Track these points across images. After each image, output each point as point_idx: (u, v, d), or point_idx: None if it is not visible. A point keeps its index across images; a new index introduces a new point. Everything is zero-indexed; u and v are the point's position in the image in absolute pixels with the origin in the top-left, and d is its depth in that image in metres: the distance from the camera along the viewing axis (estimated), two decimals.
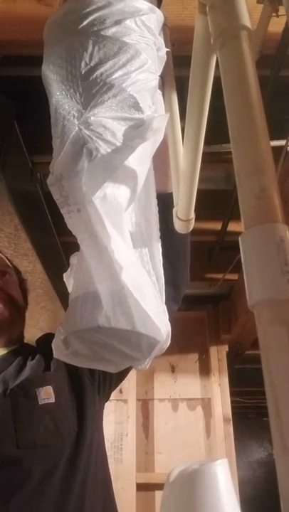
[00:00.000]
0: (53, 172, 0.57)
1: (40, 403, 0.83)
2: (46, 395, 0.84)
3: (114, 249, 0.54)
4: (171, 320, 0.64)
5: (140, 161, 0.58)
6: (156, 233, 0.66)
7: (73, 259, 0.63)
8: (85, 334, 0.54)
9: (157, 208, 0.68)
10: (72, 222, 0.57)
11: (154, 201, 0.67)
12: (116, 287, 0.53)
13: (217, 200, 1.74)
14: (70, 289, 0.63)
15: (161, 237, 0.67)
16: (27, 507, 0.74)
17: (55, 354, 0.59)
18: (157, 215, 0.67)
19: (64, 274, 0.64)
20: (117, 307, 0.52)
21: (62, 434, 0.82)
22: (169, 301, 0.67)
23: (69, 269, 0.64)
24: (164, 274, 0.66)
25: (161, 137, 0.61)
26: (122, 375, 0.98)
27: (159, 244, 0.66)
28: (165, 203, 0.70)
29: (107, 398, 0.99)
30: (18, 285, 1.06)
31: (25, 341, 1.05)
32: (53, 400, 0.84)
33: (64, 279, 0.64)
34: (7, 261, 1.10)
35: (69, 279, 0.63)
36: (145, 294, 0.55)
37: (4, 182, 1.26)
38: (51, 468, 0.79)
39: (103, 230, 0.54)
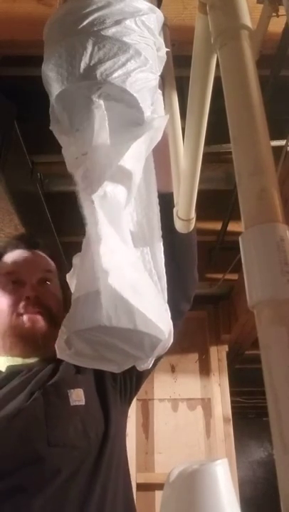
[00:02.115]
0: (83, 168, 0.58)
1: (71, 404, 0.84)
2: (77, 397, 0.85)
3: (121, 249, 0.54)
4: (182, 320, 0.62)
5: (135, 159, 0.59)
6: (157, 232, 0.66)
7: (76, 260, 0.63)
8: (87, 334, 0.54)
9: (159, 208, 0.68)
10: (86, 212, 0.57)
11: (156, 200, 0.67)
12: (118, 286, 0.53)
13: (217, 200, 1.75)
14: (72, 289, 0.63)
15: (164, 238, 0.67)
16: (51, 506, 0.75)
17: (59, 354, 0.59)
18: (159, 214, 0.67)
19: (67, 275, 0.64)
20: (118, 306, 0.52)
21: (89, 436, 0.83)
22: (178, 301, 0.66)
23: (72, 269, 0.64)
24: (171, 274, 0.65)
25: (159, 137, 0.61)
26: (140, 379, 0.98)
27: (161, 243, 0.66)
28: (167, 202, 0.70)
29: (129, 403, 0.98)
30: (59, 290, 0.98)
31: None
32: (83, 402, 0.85)
33: (67, 280, 0.64)
34: (49, 261, 1.01)
35: (72, 280, 0.63)
36: (146, 292, 0.55)
37: (4, 182, 1.26)
38: (77, 469, 0.80)
39: (110, 226, 0.54)
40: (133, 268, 0.57)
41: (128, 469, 0.94)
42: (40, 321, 0.91)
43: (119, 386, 0.93)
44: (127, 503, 0.89)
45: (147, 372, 0.96)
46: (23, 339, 0.91)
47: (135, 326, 0.52)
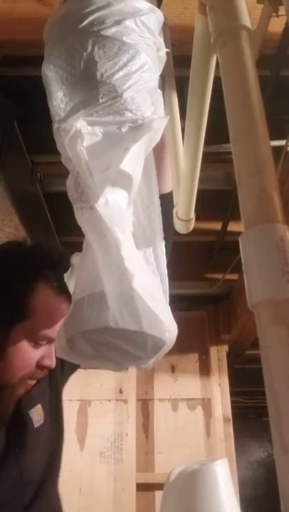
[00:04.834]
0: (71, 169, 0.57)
1: (35, 427, 0.79)
2: (39, 415, 0.81)
3: (125, 251, 0.54)
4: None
5: (134, 161, 0.58)
6: (159, 234, 0.66)
7: (75, 259, 0.63)
8: (92, 335, 0.54)
9: (160, 209, 0.68)
10: (83, 220, 0.57)
11: (158, 202, 0.67)
12: (124, 288, 0.53)
13: (217, 200, 1.74)
14: (71, 289, 0.63)
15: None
16: None
17: (58, 354, 0.59)
18: (160, 215, 0.67)
19: (65, 275, 0.64)
20: (124, 308, 0.52)
21: (56, 457, 0.85)
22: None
23: (69, 269, 0.63)
24: None
25: (158, 137, 0.61)
26: (72, 372, 0.94)
27: (163, 244, 0.66)
28: (167, 202, 0.70)
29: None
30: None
31: None
32: (43, 419, 0.82)
33: (64, 280, 0.64)
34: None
35: (70, 280, 0.63)
36: (153, 295, 0.55)
37: (4, 182, 1.26)
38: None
39: (114, 230, 0.54)
40: (143, 269, 0.57)
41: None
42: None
43: (65, 378, 0.92)
44: None
45: (77, 366, 0.91)
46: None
47: (141, 328, 0.52)
